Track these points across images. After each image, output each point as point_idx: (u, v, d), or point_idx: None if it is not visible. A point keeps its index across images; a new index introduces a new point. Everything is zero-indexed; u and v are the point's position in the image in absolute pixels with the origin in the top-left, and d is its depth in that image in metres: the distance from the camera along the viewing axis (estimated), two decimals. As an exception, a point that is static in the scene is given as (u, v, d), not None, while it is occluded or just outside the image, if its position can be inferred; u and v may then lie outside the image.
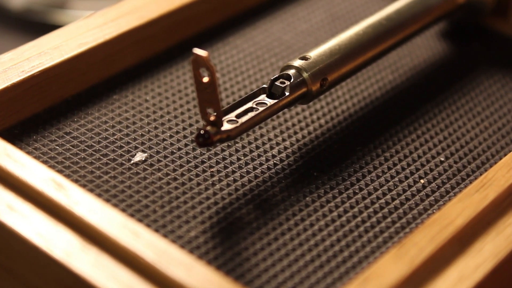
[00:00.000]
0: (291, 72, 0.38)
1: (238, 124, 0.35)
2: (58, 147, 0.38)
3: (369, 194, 0.37)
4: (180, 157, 0.38)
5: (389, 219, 0.36)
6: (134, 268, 0.32)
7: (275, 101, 0.36)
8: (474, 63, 0.46)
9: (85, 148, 0.38)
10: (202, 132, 0.34)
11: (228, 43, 0.46)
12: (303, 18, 0.49)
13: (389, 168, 0.38)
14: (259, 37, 0.47)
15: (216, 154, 0.38)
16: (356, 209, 0.36)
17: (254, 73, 0.44)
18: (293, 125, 0.40)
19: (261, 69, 0.44)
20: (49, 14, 0.65)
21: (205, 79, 0.33)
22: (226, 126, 0.35)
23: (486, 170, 0.38)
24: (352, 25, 0.41)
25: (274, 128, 0.40)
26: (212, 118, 0.34)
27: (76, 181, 0.36)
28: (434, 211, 0.36)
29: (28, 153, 0.37)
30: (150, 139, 0.39)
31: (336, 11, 0.49)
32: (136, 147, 0.38)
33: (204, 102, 0.34)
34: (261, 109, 0.36)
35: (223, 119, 0.35)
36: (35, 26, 0.64)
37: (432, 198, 0.37)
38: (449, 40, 0.48)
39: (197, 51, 0.33)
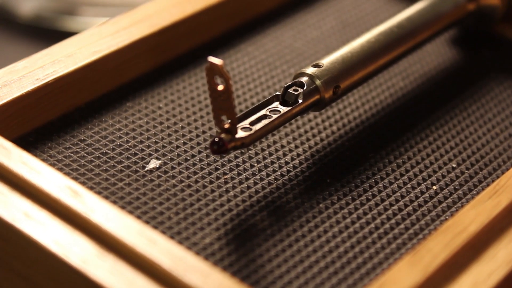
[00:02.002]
0: (304, 79, 0.38)
1: (252, 132, 0.35)
2: (72, 154, 0.38)
3: (382, 200, 0.37)
4: (194, 164, 0.38)
5: (402, 226, 0.36)
6: (150, 275, 0.32)
7: (289, 108, 0.37)
8: (485, 69, 0.46)
9: (100, 155, 0.38)
10: (216, 139, 0.34)
11: (239, 50, 0.46)
12: (313, 25, 0.49)
13: (401, 175, 0.39)
14: (270, 44, 0.47)
15: (229, 161, 0.38)
16: (369, 216, 0.36)
17: (266, 80, 0.44)
18: (305, 132, 0.41)
19: (272, 76, 0.45)
20: (58, 20, 0.65)
21: (220, 87, 0.34)
22: (240, 134, 0.35)
23: (498, 177, 0.39)
24: (362, 32, 0.42)
25: (286, 135, 0.40)
26: (226, 125, 0.34)
27: (91, 188, 0.36)
28: (447, 217, 0.36)
29: (43, 160, 0.37)
30: (164, 146, 0.39)
31: (346, 18, 0.50)
32: (150, 154, 0.39)
33: (218, 109, 0.34)
34: (274, 116, 0.36)
35: (237, 126, 0.35)
36: (45, 33, 0.64)
37: (444, 204, 0.37)
38: (459, 47, 0.48)
39: (212, 59, 0.33)
